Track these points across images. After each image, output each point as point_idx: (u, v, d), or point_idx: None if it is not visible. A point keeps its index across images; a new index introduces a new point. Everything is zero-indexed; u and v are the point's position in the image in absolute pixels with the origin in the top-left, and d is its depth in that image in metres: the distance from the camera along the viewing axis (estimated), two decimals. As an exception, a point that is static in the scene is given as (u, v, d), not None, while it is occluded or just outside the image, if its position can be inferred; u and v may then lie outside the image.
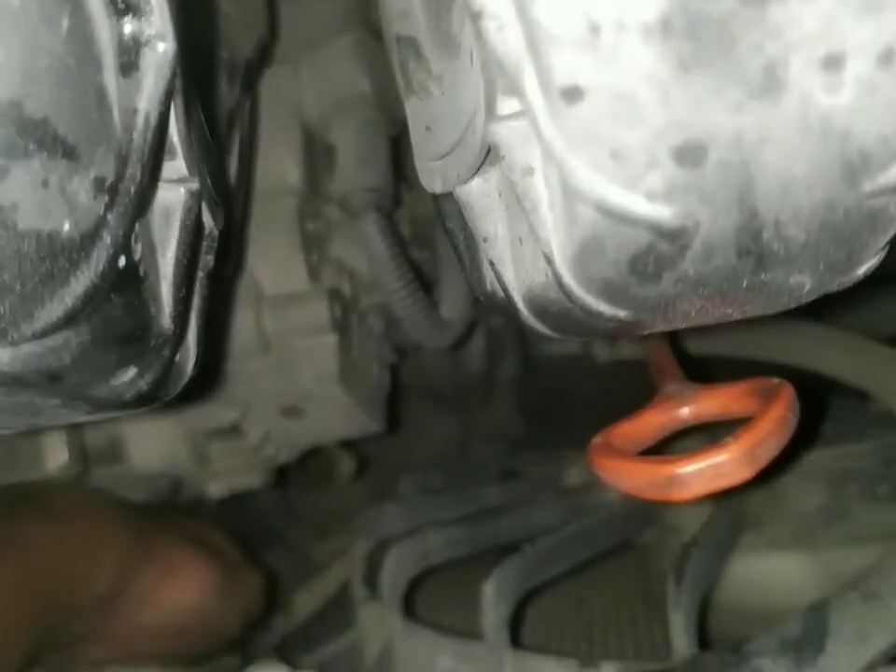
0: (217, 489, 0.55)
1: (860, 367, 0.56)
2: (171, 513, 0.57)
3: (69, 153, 0.15)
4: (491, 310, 0.25)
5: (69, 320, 0.17)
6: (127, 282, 0.18)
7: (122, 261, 0.17)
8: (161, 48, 0.16)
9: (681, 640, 0.40)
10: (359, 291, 0.54)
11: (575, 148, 0.14)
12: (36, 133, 0.14)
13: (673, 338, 0.42)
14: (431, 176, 0.25)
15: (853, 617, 0.35)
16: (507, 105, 0.17)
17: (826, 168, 0.14)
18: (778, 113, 0.13)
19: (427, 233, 0.61)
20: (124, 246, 0.17)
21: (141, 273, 0.19)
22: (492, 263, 0.23)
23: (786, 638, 0.35)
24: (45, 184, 0.15)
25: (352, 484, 0.87)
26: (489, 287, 0.25)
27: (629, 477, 0.29)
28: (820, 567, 0.50)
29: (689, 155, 0.14)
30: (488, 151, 0.20)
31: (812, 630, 0.35)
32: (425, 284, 0.52)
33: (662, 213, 0.14)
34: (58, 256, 0.16)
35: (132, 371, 0.20)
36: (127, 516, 0.50)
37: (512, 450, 0.84)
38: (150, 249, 0.19)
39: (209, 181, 0.21)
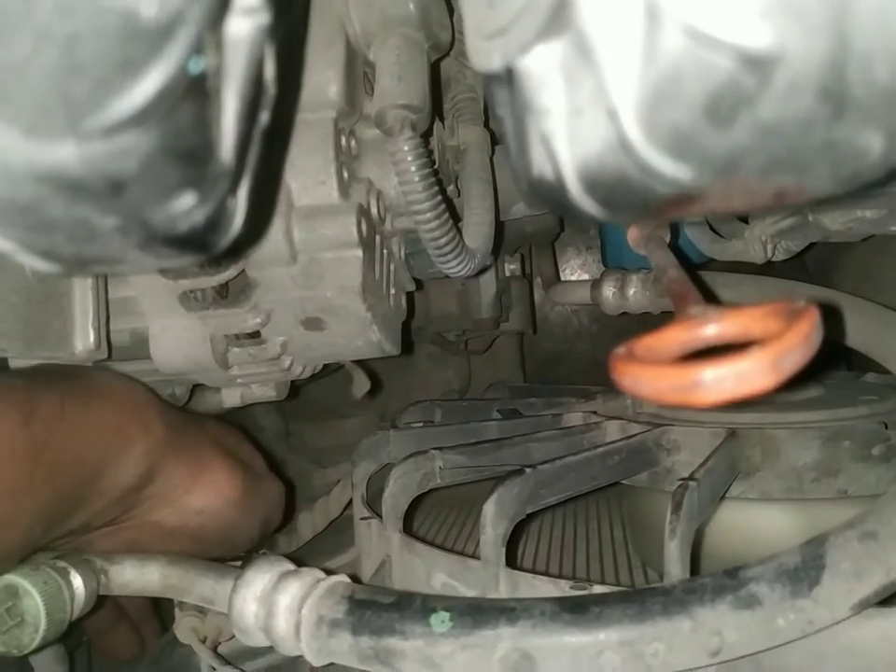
0: (230, 398, 0.56)
1: (862, 329, 0.57)
2: (203, 418, 0.58)
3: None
4: (537, 199, 0.25)
5: (141, 119, 0.17)
6: (197, 92, 0.18)
7: (196, 66, 0.17)
8: None
9: (675, 567, 0.40)
10: (385, 214, 0.54)
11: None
12: None
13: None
14: (489, 53, 0.25)
15: (850, 554, 0.36)
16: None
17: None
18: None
19: (453, 168, 0.61)
20: (199, 49, 0.17)
21: (210, 89, 0.19)
22: (544, 139, 0.23)
23: (783, 567, 0.35)
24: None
25: (353, 419, 0.88)
26: (536, 172, 0.25)
27: (652, 381, 0.29)
28: (809, 521, 0.51)
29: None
30: (556, 17, 0.21)
31: (809, 562, 0.36)
32: (452, 215, 0.52)
33: (754, 35, 0.15)
34: (138, 40, 0.16)
35: (190, 198, 0.20)
36: (164, 409, 0.50)
37: (513, 395, 0.86)
38: (218, 71, 0.19)
39: (279, 29, 0.21)
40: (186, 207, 0.20)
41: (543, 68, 0.23)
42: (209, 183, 0.20)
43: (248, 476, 0.55)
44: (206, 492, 0.52)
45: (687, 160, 0.18)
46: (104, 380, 0.48)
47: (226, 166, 0.21)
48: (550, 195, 0.24)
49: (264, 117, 0.24)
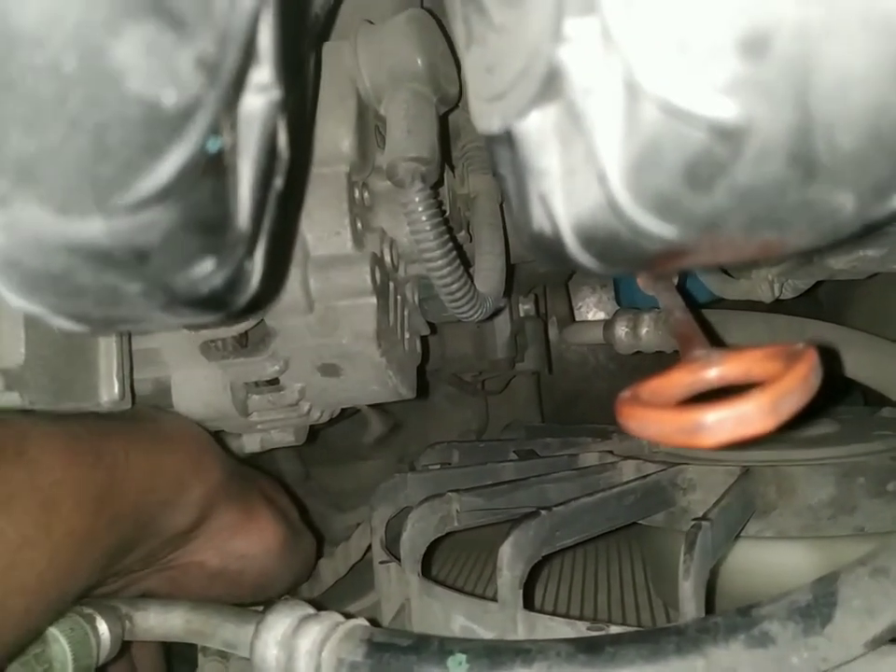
0: (251, 444, 0.57)
1: (873, 365, 0.57)
2: (247, 466, 0.58)
3: (177, 25, 0.16)
4: (537, 251, 0.27)
5: (163, 195, 0.18)
6: (215, 168, 0.20)
7: (214, 145, 0.19)
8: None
9: (690, 606, 0.41)
10: (399, 262, 0.56)
11: (643, 44, 0.16)
12: (149, -1, 0.16)
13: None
14: (489, 116, 0.26)
15: (861, 591, 0.36)
16: (573, 27, 0.19)
17: (881, 67, 0.15)
18: (842, 4, 0.15)
19: (464, 215, 0.63)
20: (216, 130, 0.19)
21: (226, 164, 0.20)
22: (542, 198, 0.25)
23: (795, 605, 0.36)
24: (154, 51, 0.16)
25: (372, 461, 0.89)
26: (536, 227, 0.27)
27: (656, 424, 0.30)
28: (826, 559, 0.51)
29: (753, 46, 0.15)
30: (548, 86, 0.22)
31: (821, 600, 0.36)
32: (463, 261, 0.53)
33: (722, 109, 0.16)
34: (160, 126, 0.17)
35: (209, 263, 0.21)
36: (222, 456, 0.51)
37: (529, 436, 0.86)
38: (234, 147, 0.21)
39: (290, 100, 0.23)
40: (206, 272, 0.22)
41: (539, 131, 0.24)
42: (227, 249, 0.22)
43: (290, 529, 0.56)
44: (251, 538, 0.53)
45: (672, 220, 0.19)
46: (169, 424, 0.49)
47: (243, 232, 0.22)
48: (549, 249, 0.26)
49: (278, 182, 0.26)
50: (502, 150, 0.28)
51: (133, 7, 0.16)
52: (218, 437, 0.54)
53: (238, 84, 0.19)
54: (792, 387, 0.29)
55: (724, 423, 0.28)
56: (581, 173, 0.22)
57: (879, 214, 0.19)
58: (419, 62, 0.51)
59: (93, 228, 0.18)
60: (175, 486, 0.47)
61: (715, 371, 0.34)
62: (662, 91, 0.16)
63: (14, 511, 0.37)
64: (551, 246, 0.25)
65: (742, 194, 0.18)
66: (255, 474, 0.58)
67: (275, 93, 0.22)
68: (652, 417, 0.31)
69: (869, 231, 0.20)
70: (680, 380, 0.34)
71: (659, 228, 0.19)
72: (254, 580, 0.54)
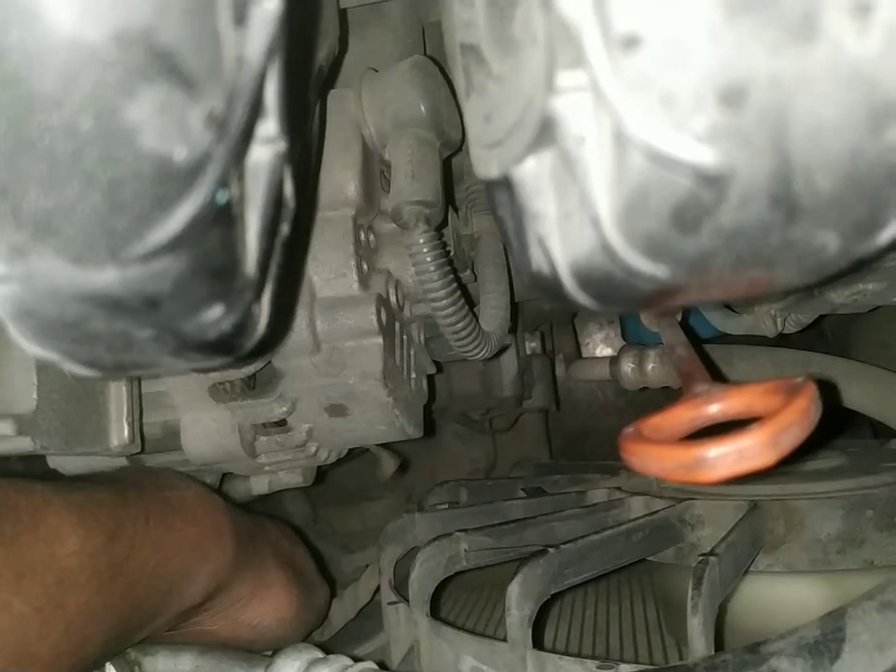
0: (259, 485, 0.58)
1: (877, 397, 0.57)
2: (263, 521, 0.59)
3: (187, 85, 0.17)
4: (537, 291, 0.27)
5: (174, 245, 0.19)
6: (224, 218, 0.20)
7: (222, 197, 0.20)
8: (268, 4, 0.18)
9: (698, 643, 0.40)
10: (404, 302, 0.56)
11: (629, 96, 0.16)
12: (162, 61, 0.17)
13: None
14: (488, 162, 0.27)
15: (869, 625, 0.36)
16: (565, 78, 0.19)
17: (853, 115, 0.16)
18: (812, 57, 0.16)
19: (469, 254, 0.64)
20: (225, 182, 0.19)
21: (234, 214, 0.21)
22: (540, 240, 0.25)
23: (803, 642, 0.36)
24: (166, 110, 0.17)
25: (380, 501, 0.89)
26: (535, 268, 0.27)
27: (658, 460, 0.30)
28: (835, 593, 0.51)
29: (731, 97, 0.16)
30: (543, 134, 0.23)
31: (829, 635, 0.36)
32: (467, 300, 0.54)
33: (704, 156, 0.17)
34: (171, 180, 0.18)
35: (218, 309, 0.22)
36: (236, 523, 0.51)
37: (538, 473, 0.86)
38: (241, 198, 0.22)
39: (295, 150, 0.24)
40: (215, 317, 0.22)
41: (536, 177, 0.25)
42: (236, 294, 0.23)
43: (303, 592, 0.56)
44: (264, 608, 0.53)
45: (662, 260, 0.20)
46: (187, 492, 0.50)
47: (250, 278, 0.23)
48: (548, 289, 0.26)
49: (285, 228, 0.27)
50: (501, 194, 0.29)
51: (146, 69, 0.17)
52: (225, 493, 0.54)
53: (245, 138, 0.20)
54: (792, 421, 0.29)
55: (725, 458, 0.28)
56: (575, 216, 0.23)
57: (864, 251, 0.20)
58: (422, 107, 0.52)
59: (107, 277, 0.19)
60: (192, 560, 0.47)
61: (716, 406, 0.34)
62: (648, 139, 0.17)
63: (26, 585, 0.37)
64: (549, 287, 0.26)
65: (728, 235, 0.18)
66: (268, 527, 0.58)
67: (281, 145, 0.23)
68: (654, 453, 0.31)
69: (860, 266, 0.20)
70: (682, 415, 0.34)
71: (650, 268, 0.20)
72: (265, 646, 0.54)
